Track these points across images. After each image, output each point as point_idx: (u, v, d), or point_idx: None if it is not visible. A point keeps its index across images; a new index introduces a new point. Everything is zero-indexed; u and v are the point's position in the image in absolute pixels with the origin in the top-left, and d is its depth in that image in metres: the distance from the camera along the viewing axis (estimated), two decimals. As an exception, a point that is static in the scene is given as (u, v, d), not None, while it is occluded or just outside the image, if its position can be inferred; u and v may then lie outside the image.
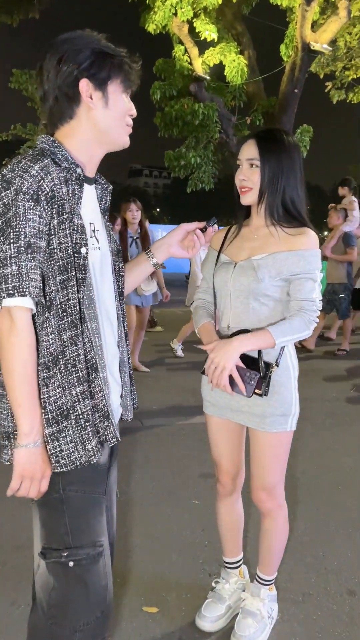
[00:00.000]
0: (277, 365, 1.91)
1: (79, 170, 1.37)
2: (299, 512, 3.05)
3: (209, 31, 10.51)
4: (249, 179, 1.90)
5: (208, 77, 11.21)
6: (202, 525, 2.86)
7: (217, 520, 2.24)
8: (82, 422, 1.33)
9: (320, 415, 4.75)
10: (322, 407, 4.99)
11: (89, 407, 1.34)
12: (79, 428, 1.33)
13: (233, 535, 2.23)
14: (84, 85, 1.36)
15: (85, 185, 1.42)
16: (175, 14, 10.22)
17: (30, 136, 18.32)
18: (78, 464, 1.33)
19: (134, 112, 1.46)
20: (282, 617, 2.22)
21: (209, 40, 10.65)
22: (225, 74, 10.93)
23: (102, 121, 1.40)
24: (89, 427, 1.34)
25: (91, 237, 1.43)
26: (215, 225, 1.87)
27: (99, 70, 1.37)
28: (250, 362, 1.85)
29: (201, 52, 11.02)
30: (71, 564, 1.37)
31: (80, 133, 1.40)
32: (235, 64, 10.68)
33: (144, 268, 1.72)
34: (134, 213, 5.47)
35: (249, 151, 1.90)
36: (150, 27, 10.36)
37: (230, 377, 1.81)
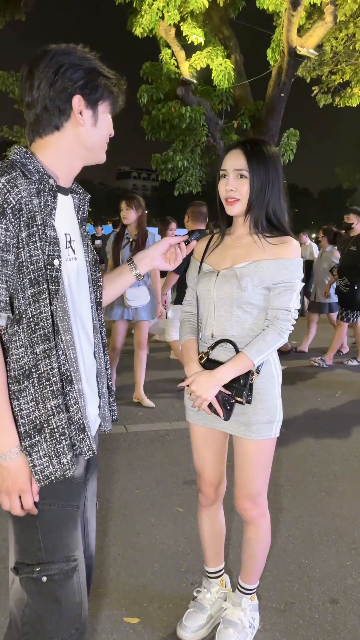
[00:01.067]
0: (258, 373, 1.91)
1: (51, 181, 1.36)
2: (282, 519, 3.05)
3: (195, 35, 10.52)
4: (236, 189, 1.89)
5: (195, 81, 11.21)
6: (185, 534, 2.85)
7: (199, 530, 2.23)
8: (57, 436, 1.32)
9: (306, 420, 4.76)
10: (308, 412, 5.00)
11: (64, 421, 1.33)
12: (54, 442, 1.31)
13: (215, 545, 2.22)
14: (77, 101, 1.37)
15: (61, 196, 1.41)
16: (162, 18, 10.22)
17: (17, 138, 18.21)
18: (53, 478, 1.32)
19: (113, 132, 1.51)
20: (263, 627, 2.21)
21: (195, 44, 10.65)
22: (212, 77, 10.94)
23: (88, 138, 1.42)
24: (63, 440, 1.32)
25: (67, 247, 1.42)
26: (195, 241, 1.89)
27: (93, 90, 1.39)
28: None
29: (188, 56, 11.02)
30: (44, 579, 1.35)
31: (62, 145, 1.40)
32: (222, 67, 10.69)
33: (127, 278, 1.71)
34: (124, 212, 5.01)
35: (237, 161, 1.89)
36: (137, 31, 10.35)
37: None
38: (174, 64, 11.03)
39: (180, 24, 10.48)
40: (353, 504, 3.26)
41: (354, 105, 13.87)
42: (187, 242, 1.74)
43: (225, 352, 1.93)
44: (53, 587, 1.36)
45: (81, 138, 1.41)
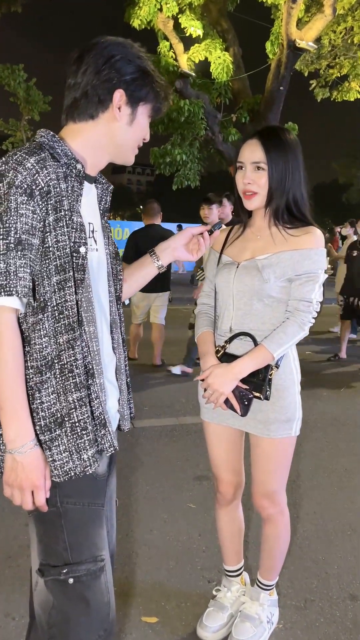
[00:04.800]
0: (277, 367, 1.86)
1: (79, 166, 1.30)
2: (295, 515, 3.01)
3: (194, 27, 10.47)
4: (254, 182, 1.82)
5: (193, 74, 11.15)
6: (198, 530, 2.80)
7: (217, 529, 2.18)
8: (79, 431, 1.26)
9: (312, 415, 4.72)
10: (314, 406, 4.96)
11: (86, 415, 1.27)
12: (74, 436, 1.26)
13: (234, 544, 2.17)
14: (118, 96, 1.32)
15: (86, 184, 1.36)
16: (160, 10, 10.16)
17: (13, 132, 18.10)
18: (72, 474, 1.26)
19: (148, 137, 1.46)
20: (284, 625, 2.17)
21: (194, 36, 10.59)
22: (210, 70, 10.88)
23: (120, 136, 1.37)
24: (85, 435, 1.27)
25: (89, 237, 1.37)
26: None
27: (138, 88, 1.35)
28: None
29: (186, 49, 10.96)
30: (71, 580, 1.30)
31: (93, 135, 1.36)
32: (220, 60, 10.63)
33: (149, 270, 1.65)
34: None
35: (254, 153, 1.82)
36: (135, 23, 10.28)
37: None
38: (172, 57, 10.97)
39: (179, 16, 10.43)
40: (366, 499, 3.23)
41: (352, 99, 13.84)
42: (210, 232, 1.68)
43: (243, 346, 1.87)
44: (80, 588, 1.31)
45: (113, 134, 1.36)
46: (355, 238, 7.20)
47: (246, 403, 1.82)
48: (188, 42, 10.94)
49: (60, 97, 1.42)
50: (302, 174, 1.87)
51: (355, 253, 6.61)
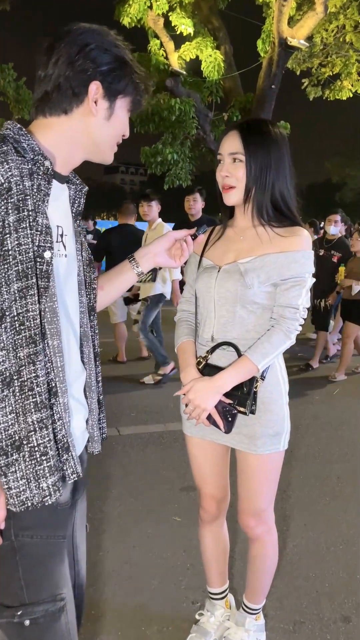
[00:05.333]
0: (263, 379, 1.72)
1: (47, 162, 1.16)
2: (286, 528, 2.88)
3: (184, 25, 10.32)
4: (232, 175, 1.69)
5: (184, 72, 11.01)
6: (183, 546, 2.67)
7: (201, 549, 2.05)
8: (38, 456, 1.12)
9: (304, 419, 4.60)
10: (306, 410, 4.84)
11: (46, 439, 1.14)
12: (33, 462, 1.12)
13: (218, 565, 2.04)
14: (94, 88, 1.19)
15: (56, 183, 1.22)
16: (151, 7, 10.02)
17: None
18: (29, 504, 1.12)
19: (128, 134, 1.32)
20: (272, 650, 2.04)
21: (184, 34, 10.45)
22: (201, 69, 10.74)
23: (97, 132, 1.24)
24: (45, 461, 1.13)
25: (57, 241, 1.23)
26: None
27: (116, 80, 1.21)
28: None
29: (177, 47, 10.81)
30: (27, 622, 1.16)
31: (66, 131, 1.22)
32: (211, 59, 10.49)
33: (127, 277, 1.51)
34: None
35: (232, 144, 1.69)
36: (125, 21, 10.13)
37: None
38: (162, 55, 10.83)
39: (169, 14, 10.29)
40: (357, 510, 3.10)
41: (344, 98, 13.75)
42: (194, 236, 1.54)
43: (226, 356, 1.74)
44: (38, 632, 1.17)
45: (90, 130, 1.23)
46: (315, 237, 7.00)
47: (230, 419, 1.69)
48: (179, 40, 10.79)
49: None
50: (289, 169, 1.73)
51: (322, 252, 6.37)
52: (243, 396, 1.69)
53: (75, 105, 1.20)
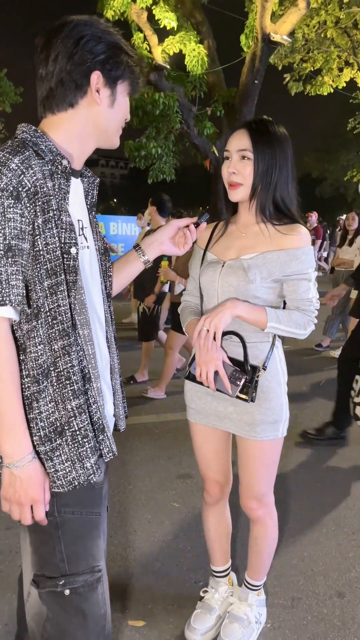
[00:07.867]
0: (265, 369, 1.82)
1: (65, 162, 1.24)
2: (280, 511, 2.99)
3: (168, 19, 10.31)
4: (239, 172, 1.77)
5: (168, 66, 11.02)
6: (183, 530, 2.77)
7: (204, 530, 2.15)
8: (80, 439, 1.23)
9: (293, 409, 4.72)
10: (294, 399, 4.96)
11: (86, 422, 1.23)
12: (76, 445, 1.22)
13: (222, 544, 2.15)
14: (95, 78, 1.26)
15: (72, 179, 1.30)
16: (134, 0, 9.99)
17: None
18: (76, 483, 1.23)
19: (129, 117, 1.40)
20: (272, 625, 2.16)
21: (168, 28, 10.44)
22: (185, 63, 10.77)
23: (104, 119, 1.32)
24: (86, 443, 1.23)
25: (79, 235, 1.31)
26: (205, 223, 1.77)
27: (115, 67, 1.28)
28: (235, 365, 1.76)
29: (161, 41, 10.80)
30: (67, 592, 1.26)
31: (75, 124, 1.29)
32: (195, 53, 10.51)
33: (134, 266, 1.60)
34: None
35: (241, 142, 1.77)
36: (109, 14, 10.09)
37: (216, 373, 1.73)
38: (146, 49, 10.80)
39: (153, 8, 10.26)
40: (347, 493, 3.24)
41: (325, 93, 13.89)
42: (196, 225, 1.63)
43: (229, 347, 1.82)
44: (77, 600, 1.26)
45: (96, 118, 1.30)
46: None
47: (238, 384, 1.73)
48: (162, 34, 10.78)
49: (32, 89, 1.35)
50: (291, 169, 1.82)
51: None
52: (245, 384, 1.77)
53: (79, 97, 1.27)
